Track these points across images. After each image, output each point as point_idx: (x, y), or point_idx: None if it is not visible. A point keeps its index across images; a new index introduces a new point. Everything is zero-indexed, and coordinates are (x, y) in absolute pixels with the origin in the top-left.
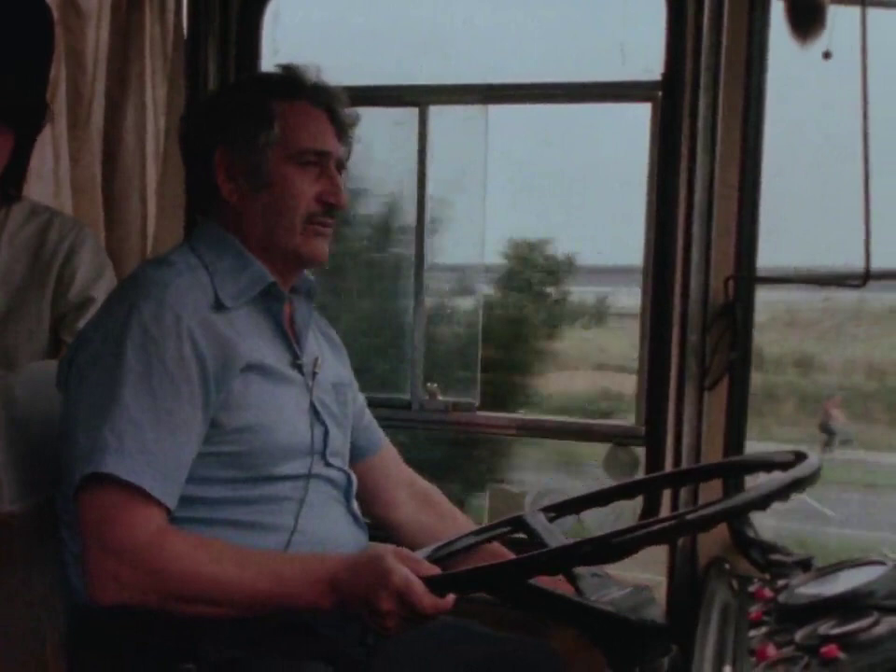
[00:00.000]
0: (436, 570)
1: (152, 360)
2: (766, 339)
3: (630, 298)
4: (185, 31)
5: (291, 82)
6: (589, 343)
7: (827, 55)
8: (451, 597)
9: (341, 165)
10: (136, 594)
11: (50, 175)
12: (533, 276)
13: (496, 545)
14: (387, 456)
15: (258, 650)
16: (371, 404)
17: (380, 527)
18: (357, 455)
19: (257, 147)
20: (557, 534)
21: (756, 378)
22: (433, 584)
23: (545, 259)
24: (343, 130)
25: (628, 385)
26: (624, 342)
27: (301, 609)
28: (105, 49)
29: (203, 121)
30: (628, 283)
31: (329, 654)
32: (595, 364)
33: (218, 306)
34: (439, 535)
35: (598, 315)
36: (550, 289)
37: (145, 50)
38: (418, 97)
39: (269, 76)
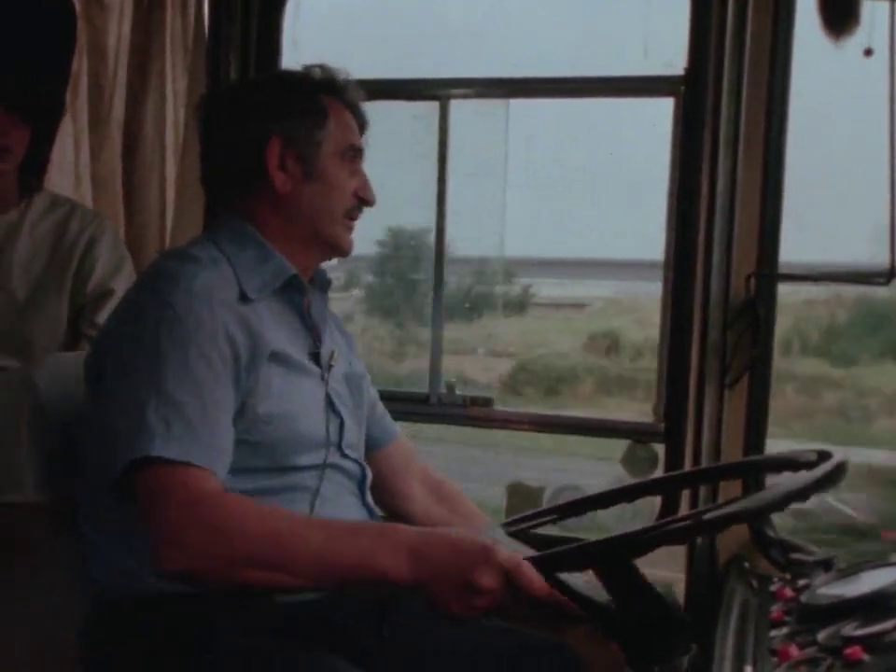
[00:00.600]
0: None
1: (188, 345)
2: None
3: (556, 289)
4: (206, 24)
5: (332, 80)
6: (471, 330)
7: (869, 52)
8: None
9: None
10: (203, 559)
11: (71, 167)
12: (404, 264)
13: None
14: (402, 448)
15: (275, 639)
16: (388, 398)
17: (393, 519)
18: (372, 445)
19: (313, 139)
20: (524, 548)
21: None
22: (539, 563)
23: (420, 249)
24: (363, 127)
25: (469, 367)
26: (524, 329)
27: (375, 579)
28: (126, 42)
29: (258, 109)
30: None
31: (346, 645)
32: (452, 350)
33: (243, 298)
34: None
35: (520, 304)
36: (421, 277)
37: (166, 44)
38: (438, 91)
39: (313, 72)
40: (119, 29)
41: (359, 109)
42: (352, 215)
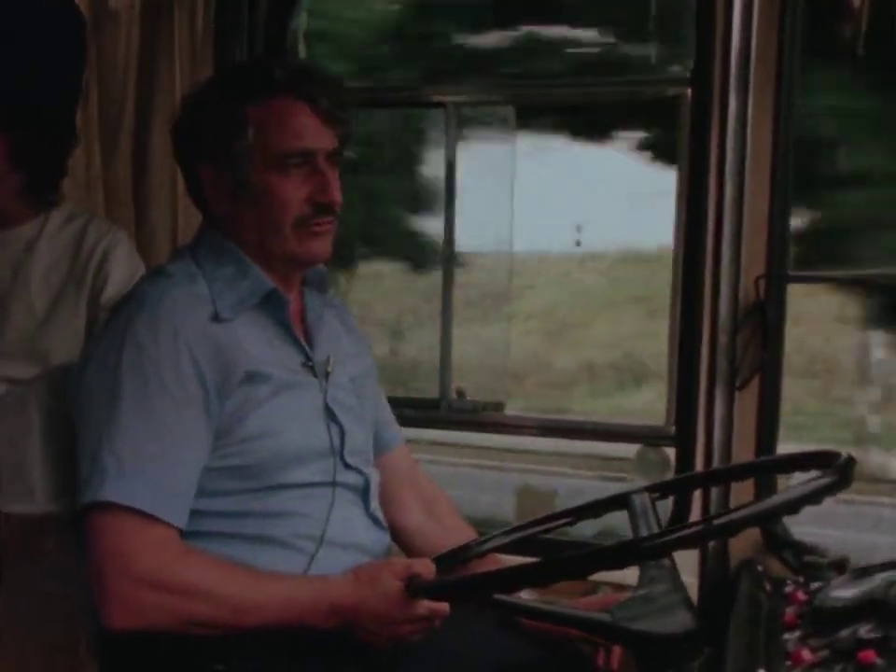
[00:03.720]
0: (428, 573)
1: (149, 378)
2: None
3: None
4: (213, 32)
5: (262, 79)
6: None
7: (855, 55)
8: (444, 607)
9: (335, 156)
10: (148, 619)
11: (83, 177)
12: None
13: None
14: (401, 457)
15: (287, 651)
16: (399, 403)
17: None
18: (380, 448)
19: (234, 157)
20: (653, 520)
21: None
22: (419, 590)
23: None
24: (331, 118)
25: None
26: None
27: (311, 628)
28: (135, 52)
29: (184, 136)
30: None
31: (359, 656)
32: None
33: (217, 317)
34: (441, 546)
35: None
36: None
37: (174, 53)
38: (443, 97)
39: (239, 76)
40: (127, 39)
41: (315, 100)
42: (310, 223)
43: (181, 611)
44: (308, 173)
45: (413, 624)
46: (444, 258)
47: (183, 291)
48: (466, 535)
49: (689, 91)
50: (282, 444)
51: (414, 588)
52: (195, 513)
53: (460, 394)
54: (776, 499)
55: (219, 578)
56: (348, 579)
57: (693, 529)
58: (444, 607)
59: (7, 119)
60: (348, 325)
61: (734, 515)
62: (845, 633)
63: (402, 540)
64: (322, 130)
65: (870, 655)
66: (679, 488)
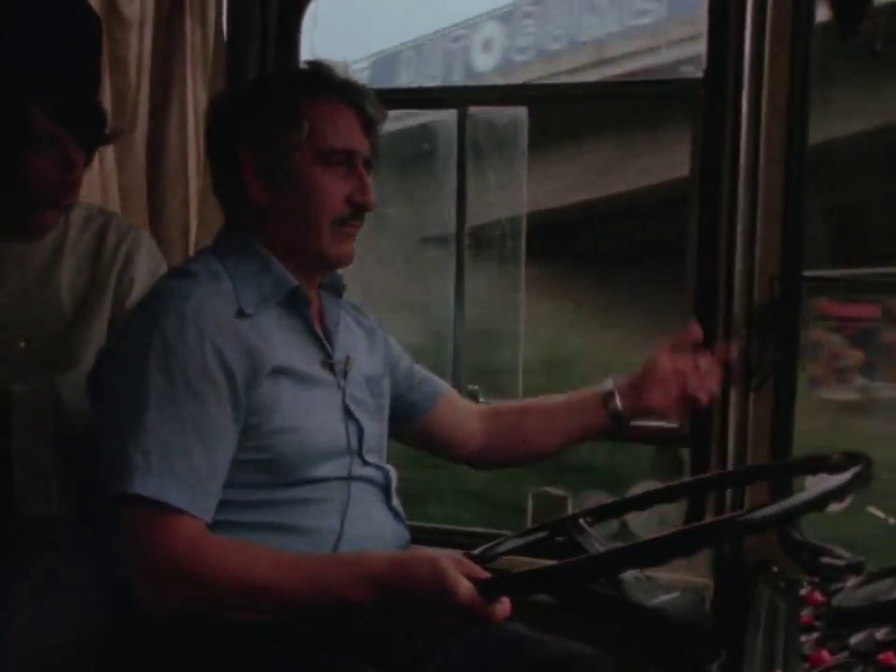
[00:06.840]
0: (487, 574)
1: (176, 376)
2: None
3: None
4: (225, 36)
5: (320, 79)
6: None
7: (873, 52)
8: (507, 602)
9: (369, 164)
10: (178, 603)
11: (97, 181)
12: None
13: None
14: (449, 399)
15: (304, 650)
16: None
17: (459, 462)
18: (418, 411)
19: (285, 147)
20: (597, 538)
21: None
22: (485, 588)
23: None
24: (371, 128)
25: None
26: None
27: (345, 610)
28: (148, 55)
29: (230, 120)
30: None
31: (376, 656)
32: None
33: (241, 313)
34: (523, 433)
35: None
36: None
37: (186, 56)
38: (456, 98)
39: (297, 73)
40: (139, 43)
41: (362, 108)
42: (346, 222)
43: (207, 600)
44: (347, 173)
45: (460, 616)
46: (457, 260)
47: (207, 289)
48: (537, 408)
49: (701, 91)
50: (304, 441)
51: (491, 585)
52: (218, 503)
53: (472, 397)
54: (800, 497)
55: (243, 563)
56: (386, 555)
57: (715, 527)
58: (507, 606)
59: (88, 135)
60: (365, 326)
61: (763, 512)
62: (863, 634)
63: (488, 457)
64: (362, 136)
65: (890, 657)
66: (615, 510)
